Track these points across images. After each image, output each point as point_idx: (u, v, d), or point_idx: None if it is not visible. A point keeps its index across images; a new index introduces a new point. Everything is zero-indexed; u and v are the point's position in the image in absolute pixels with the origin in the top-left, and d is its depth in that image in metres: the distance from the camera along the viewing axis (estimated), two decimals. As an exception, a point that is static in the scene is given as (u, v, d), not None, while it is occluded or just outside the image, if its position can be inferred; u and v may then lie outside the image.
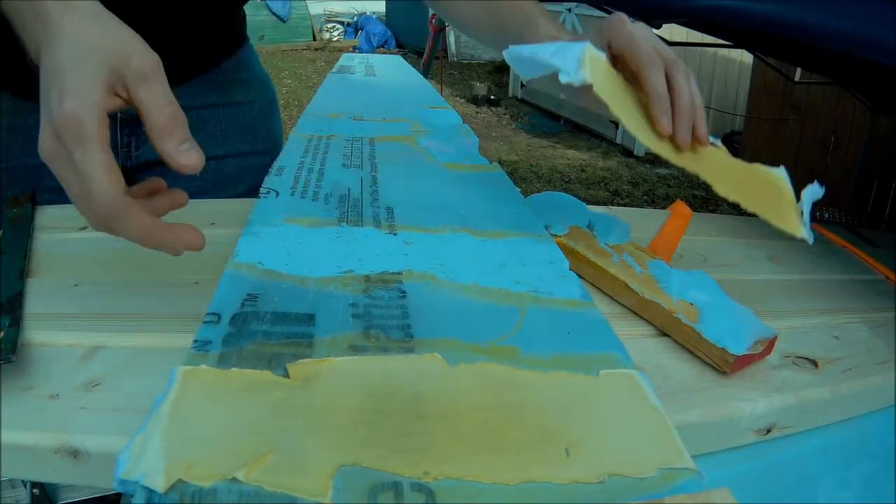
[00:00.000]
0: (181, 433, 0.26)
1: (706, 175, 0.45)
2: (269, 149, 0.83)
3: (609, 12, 1.78)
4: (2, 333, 0.36)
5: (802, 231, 0.45)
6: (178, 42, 0.68)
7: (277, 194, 0.53)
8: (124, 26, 0.37)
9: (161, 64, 0.36)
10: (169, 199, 0.44)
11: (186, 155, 0.36)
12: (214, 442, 0.26)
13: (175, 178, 0.63)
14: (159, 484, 0.23)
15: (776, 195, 0.47)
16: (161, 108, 0.35)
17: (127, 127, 0.70)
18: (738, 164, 0.49)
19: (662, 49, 0.48)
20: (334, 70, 1.15)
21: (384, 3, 9.43)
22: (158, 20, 0.65)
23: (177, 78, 0.71)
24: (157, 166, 0.73)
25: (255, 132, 0.80)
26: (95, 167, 0.33)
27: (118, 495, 0.51)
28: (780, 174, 0.49)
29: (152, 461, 0.24)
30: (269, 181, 0.56)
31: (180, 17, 0.67)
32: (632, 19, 0.49)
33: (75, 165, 0.33)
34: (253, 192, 0.54)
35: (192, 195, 0.46)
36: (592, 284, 0.52)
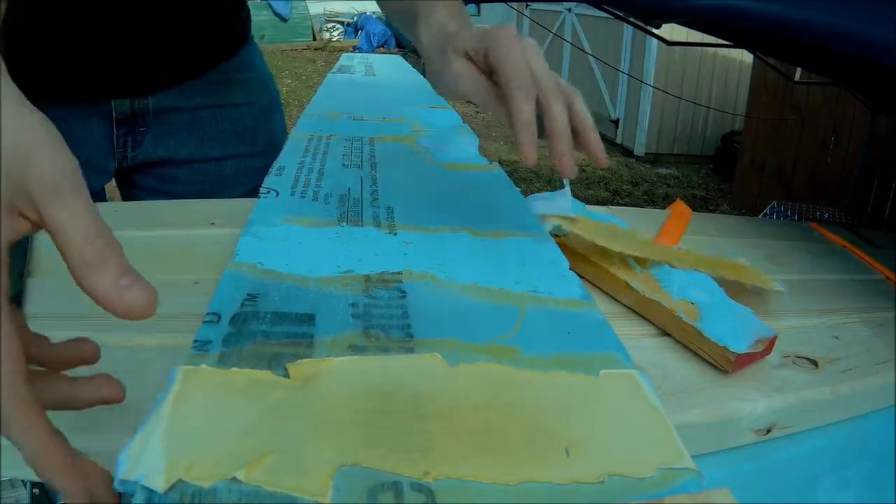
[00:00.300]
0: (181, 433, 0.26)
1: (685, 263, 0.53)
2: (269, 150, 0.82)
3: (608, 13, 1.78)
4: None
5: (774, 285, 0.53)
6: (175, 45, 0.67)
7: (277, 194, 0.53)
8: (25, 111, 0.26)
9: (79, 168, 0.26)
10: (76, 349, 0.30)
11: (130, 293, 0.25)
12: (214, 442, 0.26)
13: (171, 182, 0.63)
14: (159, 484, 0.23)
15: (744, 269, 0.55)
16: (84, 232, 0.25)
17: (122, 126, 0.69)
18: (707, 257, 0.56)
19: (542, 74, 0.44)
20: (334, 70, 1.15)
21: (384, 2, 9.40)
22: (155, 24, 0.65)
23: (173, 80, 0.72)
24: (156, 166, 0.74)
25: (254, 133, 0.80)
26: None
27: (118, 495, 0.51)
28: (741, 260, 0.57)
29: (152, 461, 0.24)
30: (269, 181, 0.56)
31: (178, 19, 0.67)
32: (520, 37, 0.45)
33: None
34: (252, 193, 0.54)
35: (190, 199, 0.45)
36: (592, 284, 0.52)
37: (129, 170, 0.74)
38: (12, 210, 0.25)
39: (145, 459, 0.24)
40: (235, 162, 0.78)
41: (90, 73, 0.64)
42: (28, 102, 0.26)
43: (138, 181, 0.75)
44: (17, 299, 0.41)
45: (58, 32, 0.60)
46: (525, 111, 0.42)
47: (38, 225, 0.25)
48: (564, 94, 0.44)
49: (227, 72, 0.75)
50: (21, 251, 0.47)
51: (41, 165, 0.25)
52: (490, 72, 0.45)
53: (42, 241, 0.51)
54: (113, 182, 0.75)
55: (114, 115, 0.68)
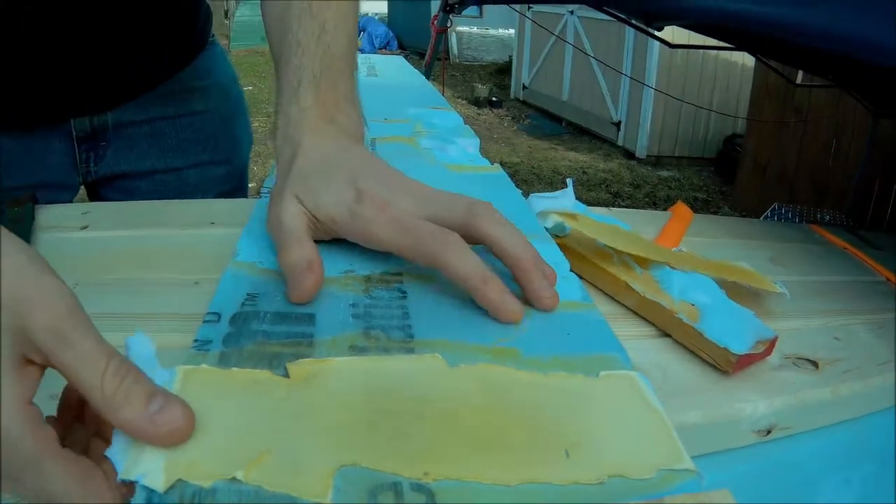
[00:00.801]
0: None
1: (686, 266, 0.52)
2: (232, 157, 0.82)
3: (610, 15, 1.78)
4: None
5: (777, 287, 0.52)
6: (129, 60, 0.66)
7: (278, 195, 0.53)
8: (16, 248, 0.25)
9: (78, 305, 0.25)
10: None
11: (162, 418, 0.24)
12: (214, 441, 0.26)
13: (135, 194, 0.63)
14: (159, 483, 0.23)
15: (745, 272, 0.55)
16: (98, 372, 0.24)
17: (84, 143, 0.69)
18: (709, 261, 0.56)
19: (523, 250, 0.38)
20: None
21: (386, 4, 9.44)
22: (107, 41, 0.63)
23: (130, 95, 0.71)
24: (119, 179, 0.73)
25: (217, 141, 0.79)
26: (65, 483, 0.23)
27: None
28: (742, 263, 0.57)
29: (151, 461, 0.24)
30: (269, 181, 0.56)
31: (130, 34, 0.65)
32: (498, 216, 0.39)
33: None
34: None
35: None
36: (592, 284, 0.52)
37: (95, 183, 0.74)
38: (21, 363, 0.24)
39: (145, 459, 0.24)
40: (199, 170, 0.77)
41: (47, 96, 0.64)
42: (13, 237, 0.25)
43: (104, 194, 0.75)
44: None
45: (9, 56, 0.59)
46: (539, 286, 0.37)
47: (49, 366, 0.24)
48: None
49: (185, 80, 0.74)
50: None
51: (40, 312, 0.24)
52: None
53: (42, 240, 0.51)
54: (83, 191, 0.76)
55: (74, 133, 0.68)
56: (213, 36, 0.81)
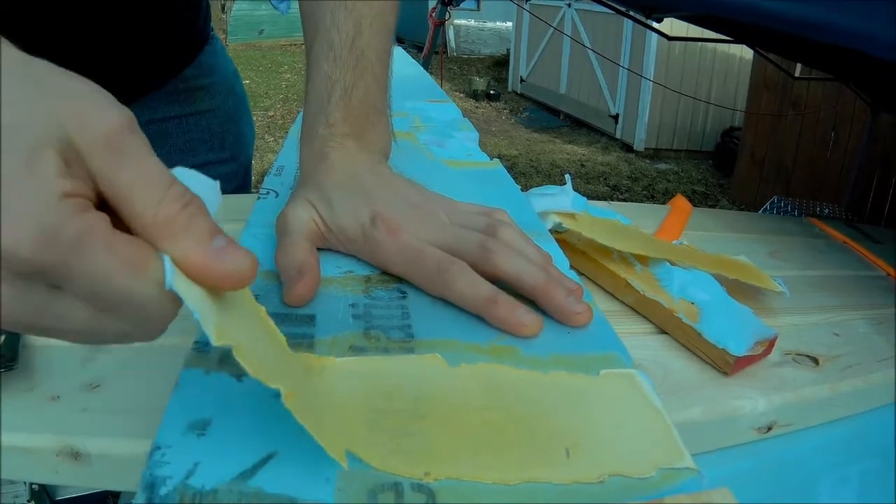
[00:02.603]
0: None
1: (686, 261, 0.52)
2: (237, 154, 0.81)
3: (609, 7, 1.77)
4: (2, 338, 0.36)
5: (776, 286, 0.52)
6: (131, 59, 0.66)
7: (277, 195, 0.53)
8: (71, 75, 0.22)
9: (136, 122, 0.22)
10: None
11: (229, 256, 0.21)
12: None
13: None
14: (211, 328, 0.21)
15: (746, 267, 0.55)
16: (161, 191, 0.21)
17: None
18: (708, 255, 0.56)
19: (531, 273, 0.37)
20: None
21: (383, -3, 9.38)
22: (108, 38, 0.62)
23: (134, 95, 0.70)
24: None
25: (222, 139, 0.78)
26: (112, 266, 0.19)
27: (118, 492, 0.51)
28: (742, 258, 0.57)
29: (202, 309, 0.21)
30: (268, 181, 0.56)
31: (134, 32, 0.65)
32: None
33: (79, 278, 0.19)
34: None
35: None
36: (593, 281, 0.52)
37: None
38: (66, 174, 0.20)
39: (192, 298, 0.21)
40: (205, 170, 0.76)
41: None
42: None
43: None
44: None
45: None
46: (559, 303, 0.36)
47: (100, 194, 0.21)
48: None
49: (190, 78, 0.74)
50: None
51: (95, 122, 0.20)
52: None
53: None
54: None
55: None
56: (213, 30, 0.80)
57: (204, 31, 0.77)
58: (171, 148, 0.74)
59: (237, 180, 0.83)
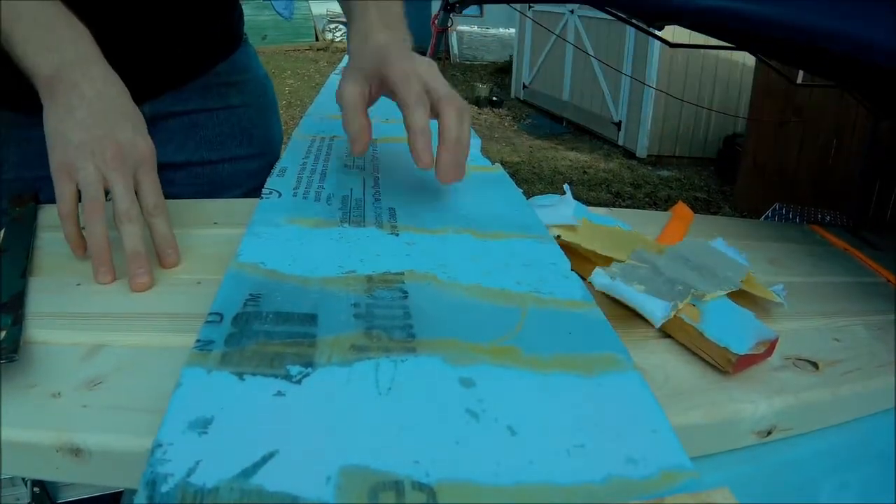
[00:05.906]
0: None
1: None
2: (266, 152, 0.83)
3: (611, 14, 1.77)
4: (3, 333, 0.36)
5: (775, 297, 0.52)
6: (168, 51, 0.67)
7: (280, 195, 0.53)
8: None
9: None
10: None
11: None
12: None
13: (168, 185, 0.64)
14: None
15: (746, 278, 0.55)
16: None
17: None
18: None
19: (436, 87, 0.51)
20: (336, 71, 1.15)
21: (387, 3, 9.41)
22: (147, 30, 0.64)
23: (168, 86, 0.71)
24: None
25: (251, 135, 0.80)
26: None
27: (118, 493, 0.51)
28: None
29: None
30: (271, 182, 0.56)
31: (170, 25, 0.66)
32: (413, 58, 0.53)
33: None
34: (249, 195, 0.54)
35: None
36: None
37: None
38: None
39: None
40: (232, 164, 0.78)
41: None
42: None
43: None
44: (19, 298, 0.41)
45: None
46: (418, 121, 0.49)
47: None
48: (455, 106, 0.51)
49: (223, 74, 0.76)
50: (24, 250, 0.48)
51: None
52: (388, 91, 0.54)
53: (44, 240, 0.51)
54: None
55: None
56: (247, 36, 0.82)
57: (238, 29, 0.79)
58: (202, 139, 0.75)
59: (263, 177, 0.84)
